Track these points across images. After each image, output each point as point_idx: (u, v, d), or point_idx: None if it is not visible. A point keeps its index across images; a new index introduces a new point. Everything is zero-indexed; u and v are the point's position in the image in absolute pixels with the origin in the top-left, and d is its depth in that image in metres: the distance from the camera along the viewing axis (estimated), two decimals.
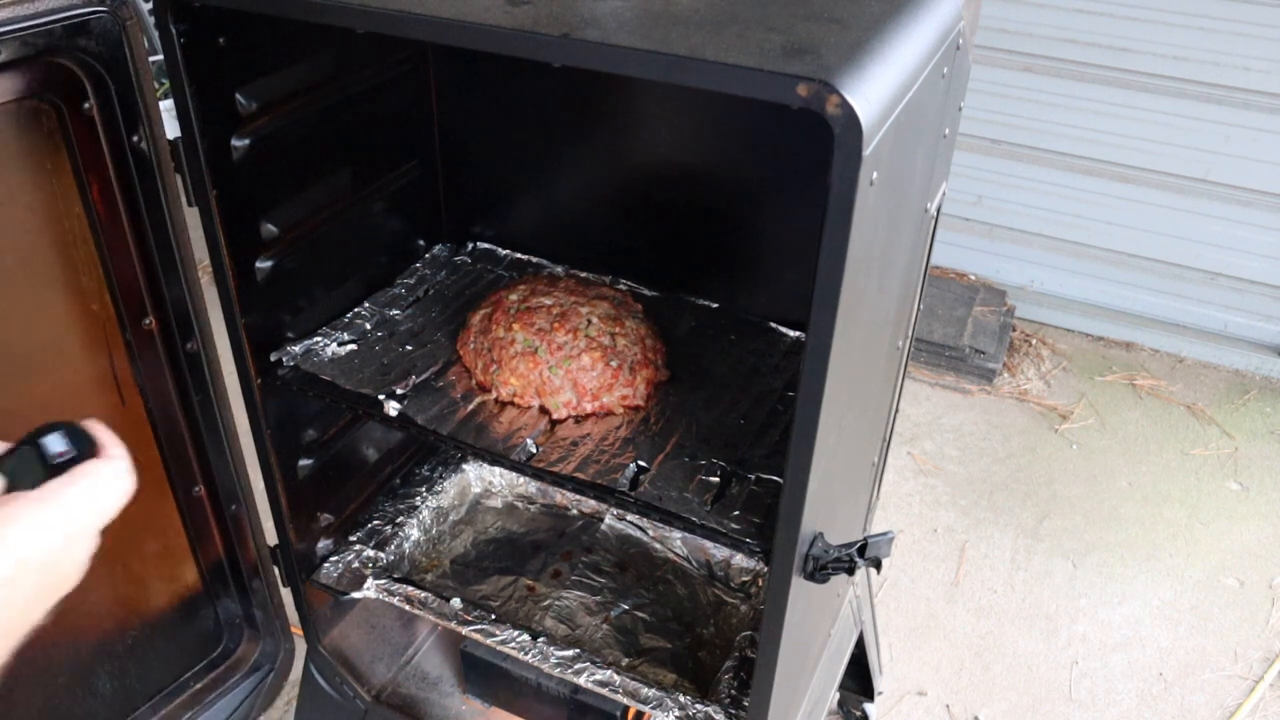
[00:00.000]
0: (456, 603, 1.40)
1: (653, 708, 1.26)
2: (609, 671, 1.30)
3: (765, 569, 1.26)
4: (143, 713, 1.50)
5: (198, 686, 1.56)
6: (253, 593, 1.55)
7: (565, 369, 1.27)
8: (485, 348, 1.32)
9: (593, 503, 1.64)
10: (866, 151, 0.68)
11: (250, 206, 1.21)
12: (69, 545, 0.81)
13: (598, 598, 1.51)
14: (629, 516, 1.63)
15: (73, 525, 0.81)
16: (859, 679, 2.00)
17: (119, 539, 1.33)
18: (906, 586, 2.56)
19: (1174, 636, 2.44)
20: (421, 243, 1.61)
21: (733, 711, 1.24)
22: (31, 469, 0.82)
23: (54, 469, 0.83)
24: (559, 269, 1.60)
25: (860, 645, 1.76)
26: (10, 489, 0.81)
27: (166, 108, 1.12)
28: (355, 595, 1.47)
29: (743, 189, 1.43)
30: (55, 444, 0.83)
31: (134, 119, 1.11)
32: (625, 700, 1.28)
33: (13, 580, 0.75)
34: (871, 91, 0.70)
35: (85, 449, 0.85)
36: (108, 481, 0.85)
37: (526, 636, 1.35)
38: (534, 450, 1.22)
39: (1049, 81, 3.25)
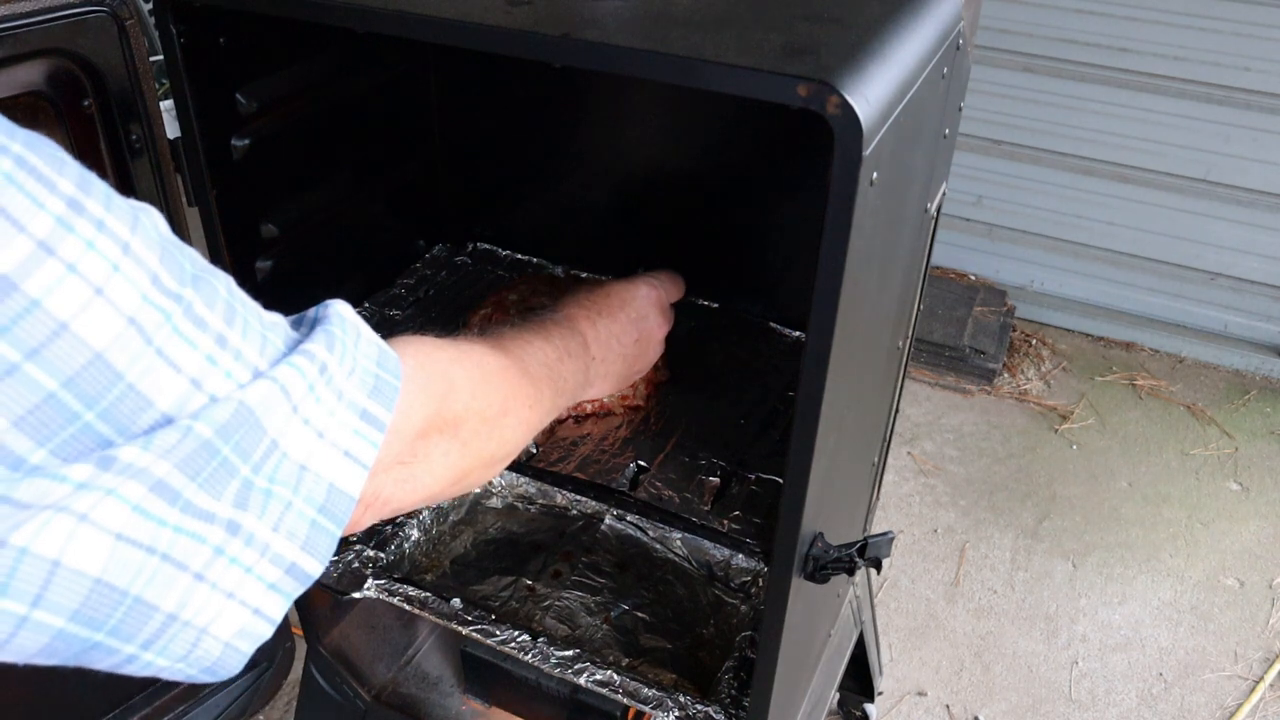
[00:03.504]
0: (456, 603, 1.40)
1: (653, 708, 1.26)
2: (609, 671, 1.30)
3: (765, 569, 1.26)
4: (137, 702, 1.50)
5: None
6: None
7: None
8: None
9: (593, 503, 1.64)
10: (866, 152, 0.68)
11: (250, 206, 1.21)
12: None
13: (598, 598, 1.51)
14: (629, 517, 1.63)
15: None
16: (859, 679, 2.00)
17: None
18: (906, 586, 2.56)
19: (1174, 637, 2.44)
20: (421, 243, 1.61)
21: (733, 711, 1.24)
22: None
23: None
24: (559, 269, 1.60)
25: (860, 645, 1.76)
26: None
27: (166, 108, 1.12)
28: (355, 595, 1.47)
29: (743, 189, 1.43)
30: None
31: (133, 118, 1.11)
32: (625, 700, 1.28)
33: None
34: (871, 92, 0.70)
35: None
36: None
37: (526, 636, 1.35)
38: (534, 450, 1.21)
39: (1049, 81, 3.25)
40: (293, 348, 0.54)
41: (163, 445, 0.45)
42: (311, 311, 0.60)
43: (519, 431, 0.81)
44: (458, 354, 0.75)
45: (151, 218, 0.48)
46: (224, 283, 0.51)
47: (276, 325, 0.55)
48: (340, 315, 0.59)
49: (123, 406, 0.44)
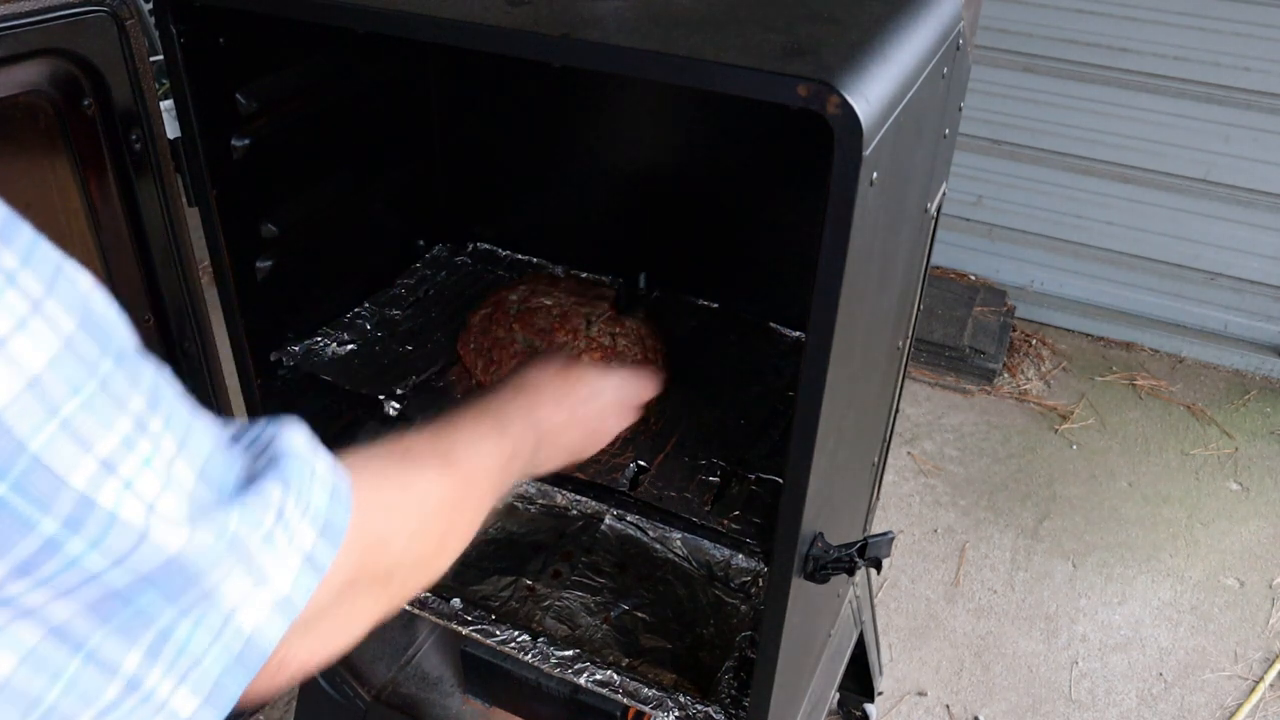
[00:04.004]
0: (456, 603, 1.40)
1: (653, 708, 1.26)
2: (609, 671, 1.30)
3: (765, 569, 1.26)
4: None
5: None
6: None
7: None
8: (486, 348, 1.32)
9: (593, 503, 1.64)
10: (866, 152, 0.68)
11: (250, 206, 1.21)
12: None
13: (598, 598, 1.51)
14: (629, 517, 1.63)
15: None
16: (859, 679, 2.00)
17: None
18: (906, 586, 2.56)
19: (1174, 637, 2.44)
20: (421, 243, 1.61)
21: (733, 711, 1.24)
22: None
23: None
24: (559, 269, 1.60)
25: (860, 645, 1.76)
26: None
27: (166, 108, 1.12)
28: None
29: (743, 189, 1.43)
30: None
31: (133, 118, 1.11)
32: (625, 700, 1.28)
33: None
34: (871, 92, 0.70)
35: None
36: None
37: (526, 636, 1.35)
38: None
39: (1049, 81, 3.25)
40: (241, 480, 0.50)
41: (64, 585, 0.41)
42: (261, 432, 0.55)
43: (453, 558, 0.77)
44: (399, 493, 0.69)
45: (76, 284, 0.43)
46: (152, 368, 0.47)
47: (207, 429, 0.50)
48: (295, 452, 0.54)
49: (35, 481, 0.39)
